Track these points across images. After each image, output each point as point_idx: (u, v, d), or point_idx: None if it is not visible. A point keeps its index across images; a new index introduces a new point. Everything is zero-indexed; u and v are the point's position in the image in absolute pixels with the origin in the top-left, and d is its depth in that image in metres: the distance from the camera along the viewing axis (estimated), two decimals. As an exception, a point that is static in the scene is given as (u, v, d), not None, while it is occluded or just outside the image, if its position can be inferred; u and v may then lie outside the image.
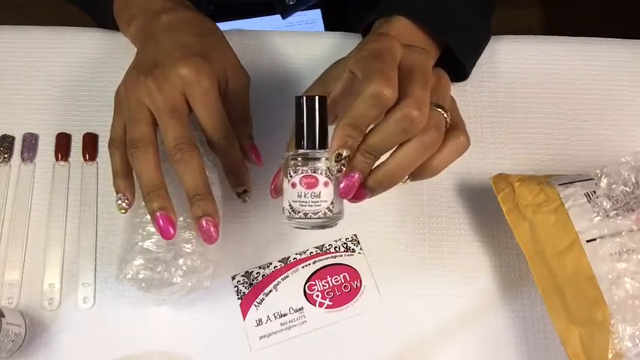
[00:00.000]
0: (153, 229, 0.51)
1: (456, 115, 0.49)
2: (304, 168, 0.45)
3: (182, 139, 0.50)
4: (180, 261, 0.51)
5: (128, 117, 0.52)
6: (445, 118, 0.46)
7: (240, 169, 0.54)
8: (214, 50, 0.55)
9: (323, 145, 0.45)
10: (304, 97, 0.45)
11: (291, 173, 0.45)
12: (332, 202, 0.45)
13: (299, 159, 0.45)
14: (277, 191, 0.49)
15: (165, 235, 0.49)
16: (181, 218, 0.52)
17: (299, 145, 0.45)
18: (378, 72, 0.43)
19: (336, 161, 0.43)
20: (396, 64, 0.45)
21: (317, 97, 0.45)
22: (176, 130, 0.50)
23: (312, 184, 0.45)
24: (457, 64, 0.60)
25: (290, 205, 0.45)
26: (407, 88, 0.44)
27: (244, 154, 0.56)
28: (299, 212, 0.45)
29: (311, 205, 0.45)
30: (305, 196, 0.45)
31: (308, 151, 0.45)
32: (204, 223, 0.50)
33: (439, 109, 0.46)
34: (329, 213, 0.45)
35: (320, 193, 0.45)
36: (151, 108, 0.52)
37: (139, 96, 0.52)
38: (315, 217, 0.45)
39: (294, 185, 0.45)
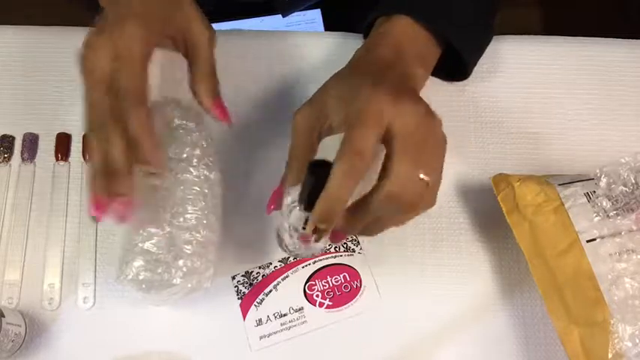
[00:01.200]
0: (153, 230, 0.51)
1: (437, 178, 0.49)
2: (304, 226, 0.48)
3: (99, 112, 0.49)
4: (181, 262, 0.51)
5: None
6: (427, 182, 0.47)
7: (145, 137, 0.48)
8: (166, 7, 0.53)
9: None
10: (319, 167, 0.45)
11: (291, 227, 0.49)
12: (321, 248, 0.51)
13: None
14: (271, 213, 0.51)
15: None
16: (181, 219, 0.52)
17: (304, 207, 0.46)
18: (355, 139, 0.45)
19: (314, 233, 0.46)
20: (378, 130, 0.46)
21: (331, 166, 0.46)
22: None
23: (307, 241, 0.49)
24: (458, 63, 0.60)
25: (283, 241, 0.52)
26: (390, 161, 0.46)
27: (207, 111, 0.54)
28: (291, 251, 0.52)
29: (302, 251, 0.52)
30: (299, 246, 0.51)
31: (310, 214, 0.46)
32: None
33: (422, 177, 0.47)
34: (315, 253, 0.54)
35: (312, 246, 0.50)
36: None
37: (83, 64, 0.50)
38: (303, 255, 0.54)
39: (291, 235, 0.50)
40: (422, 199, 0.47)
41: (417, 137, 0.46)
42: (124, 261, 0.52)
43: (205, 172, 0.54)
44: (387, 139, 0.46)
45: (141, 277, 0.51)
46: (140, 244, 0.52)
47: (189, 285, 0.52)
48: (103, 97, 0.49)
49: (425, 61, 0.56)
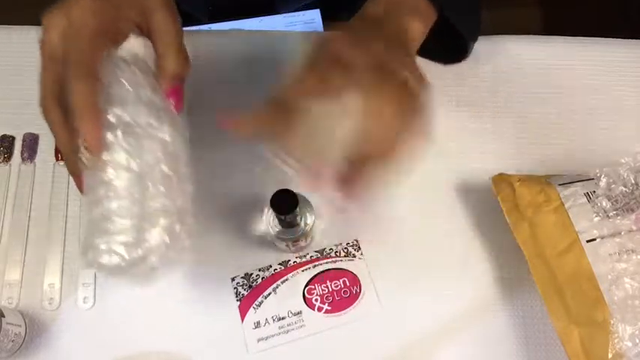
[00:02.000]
0: (113, 207, 0.45)
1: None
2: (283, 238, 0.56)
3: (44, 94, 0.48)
4: (146, 236, 0.46)
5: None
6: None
7: (83, 114, 0.45)
8: None
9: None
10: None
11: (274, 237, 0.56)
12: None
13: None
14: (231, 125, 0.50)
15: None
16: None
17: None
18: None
19: None
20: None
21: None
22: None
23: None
24: (456, 41, 0.58)
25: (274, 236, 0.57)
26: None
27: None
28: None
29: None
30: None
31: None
32: None
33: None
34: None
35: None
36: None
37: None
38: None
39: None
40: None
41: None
42: (89, 246, 0.46)
43: (159, 134, 0.48)
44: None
45: (113, 261, 0.45)
46: (104, 224, 0.46)
47: (154, 259, 0.46)
48: (48, 75, 0.47)
49: (421, 15, 0.53)
